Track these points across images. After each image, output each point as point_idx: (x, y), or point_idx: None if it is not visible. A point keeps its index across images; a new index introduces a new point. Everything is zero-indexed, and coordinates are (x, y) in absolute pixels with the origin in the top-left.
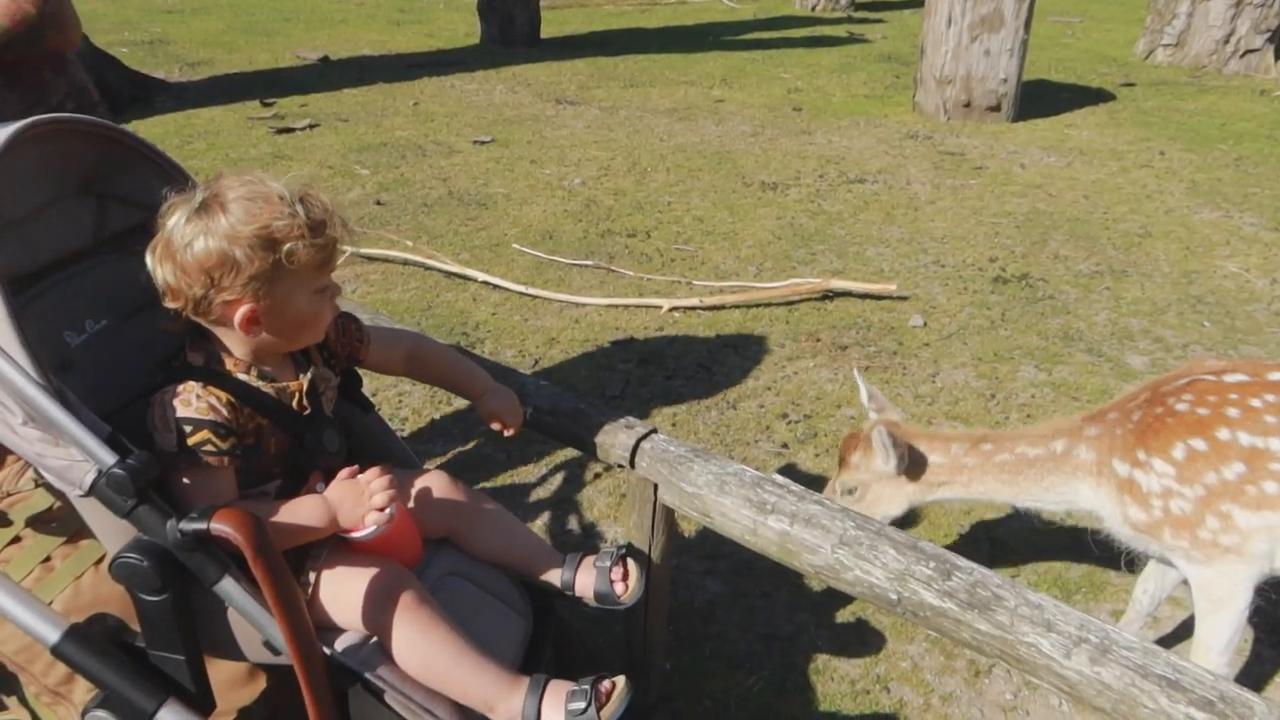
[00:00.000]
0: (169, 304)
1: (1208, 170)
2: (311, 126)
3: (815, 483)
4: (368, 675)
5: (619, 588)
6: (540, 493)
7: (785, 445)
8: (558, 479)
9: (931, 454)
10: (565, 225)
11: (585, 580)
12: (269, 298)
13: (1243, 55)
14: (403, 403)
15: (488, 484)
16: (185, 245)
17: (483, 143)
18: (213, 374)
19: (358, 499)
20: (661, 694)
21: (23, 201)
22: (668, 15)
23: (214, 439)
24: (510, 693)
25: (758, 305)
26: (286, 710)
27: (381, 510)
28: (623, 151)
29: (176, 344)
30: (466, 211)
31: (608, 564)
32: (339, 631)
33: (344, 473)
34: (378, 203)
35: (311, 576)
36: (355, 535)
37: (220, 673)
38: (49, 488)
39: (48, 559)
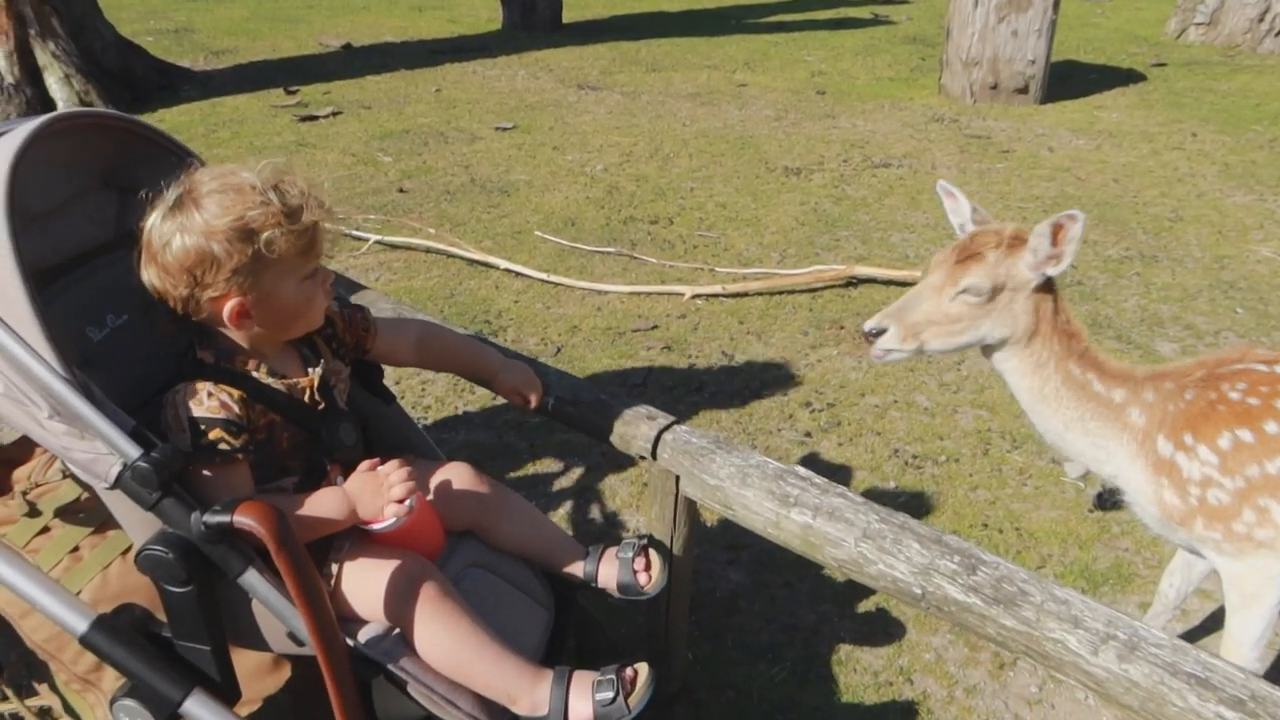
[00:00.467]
0: (163, 306)
1: (1241, 152)
2: (334, 114)
3: (838, 472)
4: (390, 667)
5: (642, 578)
6: (562, 481)
7: (808, 434)
8: (580, 467)
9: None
10: (587, 212)
11: (608, 572)
12: (255, 289)
13: (1278, 34)
14: (426, 391)
15: (511, 472)
16: (164, 245)
17: (505, 129)
18: (223, 371)
19: (377, 491)
20: (684, 684)
21: (47, 196)
22: None
23: (227, 436)
24: (533, 685)
25: (781, 292)
26: (310, 700)
27: (401, 502)
28: (645, 137)
29: (192, 338)
30: (489, 198)
31: (630, 555)
32: (362, 623)
33: (364, 465)
34: (400, 190)
35: (334, 568)
36: (375, 527)
37: (245, 662)
38: (76, 479)
39: (76, 549)
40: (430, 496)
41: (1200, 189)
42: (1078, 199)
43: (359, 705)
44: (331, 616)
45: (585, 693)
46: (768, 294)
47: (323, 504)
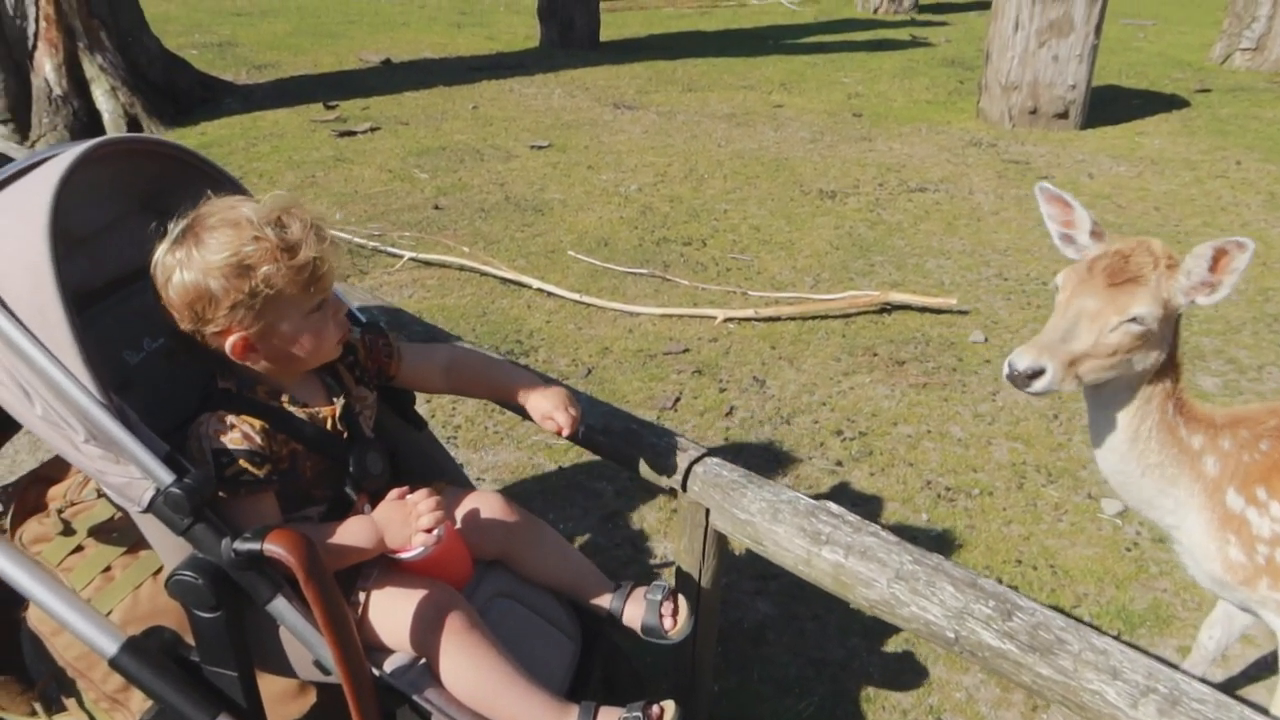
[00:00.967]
0: (179, 336)
1: None
2: (372, 129)
3: (869, 502)
4: (415, 698)
5: (667, 623)
6: (591, 504)
7: (839, 463)
8: (609, 490)
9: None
10: (621, 232)
11: (634, 612)
12: (257, 324)
13: None
14: (456, 410)
15: (539, 494)
16: (166, 280)
17: (540, 148)
18: (245, 401)
19: (405, 520)
20: (710, 717)
21: (89, 220)
22: (727, 18)
23: (250, 467)
24: None
25: (814, 317)
26: None
27: (429, 531)
28: (680, 157)
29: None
30: (523, 217)
31: (659, 598)
32: (388, 652)
33: (393, 493)
34: (436, 207)
35: (361, 596)
36: (403, 556)
37: (270, 687)
38: (110, 499)
39: (108, 568)
40: (459, 525)
41: (1244, 219)
42: (1118, 226)
43: None
44: (358, 646)
45: None
46: (800, 319)
47: (351, 533)
